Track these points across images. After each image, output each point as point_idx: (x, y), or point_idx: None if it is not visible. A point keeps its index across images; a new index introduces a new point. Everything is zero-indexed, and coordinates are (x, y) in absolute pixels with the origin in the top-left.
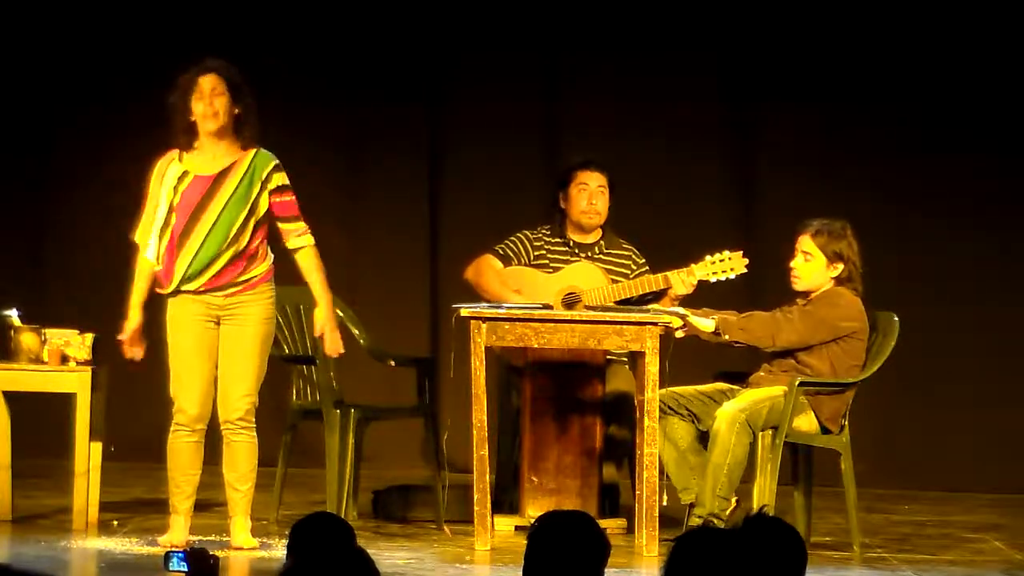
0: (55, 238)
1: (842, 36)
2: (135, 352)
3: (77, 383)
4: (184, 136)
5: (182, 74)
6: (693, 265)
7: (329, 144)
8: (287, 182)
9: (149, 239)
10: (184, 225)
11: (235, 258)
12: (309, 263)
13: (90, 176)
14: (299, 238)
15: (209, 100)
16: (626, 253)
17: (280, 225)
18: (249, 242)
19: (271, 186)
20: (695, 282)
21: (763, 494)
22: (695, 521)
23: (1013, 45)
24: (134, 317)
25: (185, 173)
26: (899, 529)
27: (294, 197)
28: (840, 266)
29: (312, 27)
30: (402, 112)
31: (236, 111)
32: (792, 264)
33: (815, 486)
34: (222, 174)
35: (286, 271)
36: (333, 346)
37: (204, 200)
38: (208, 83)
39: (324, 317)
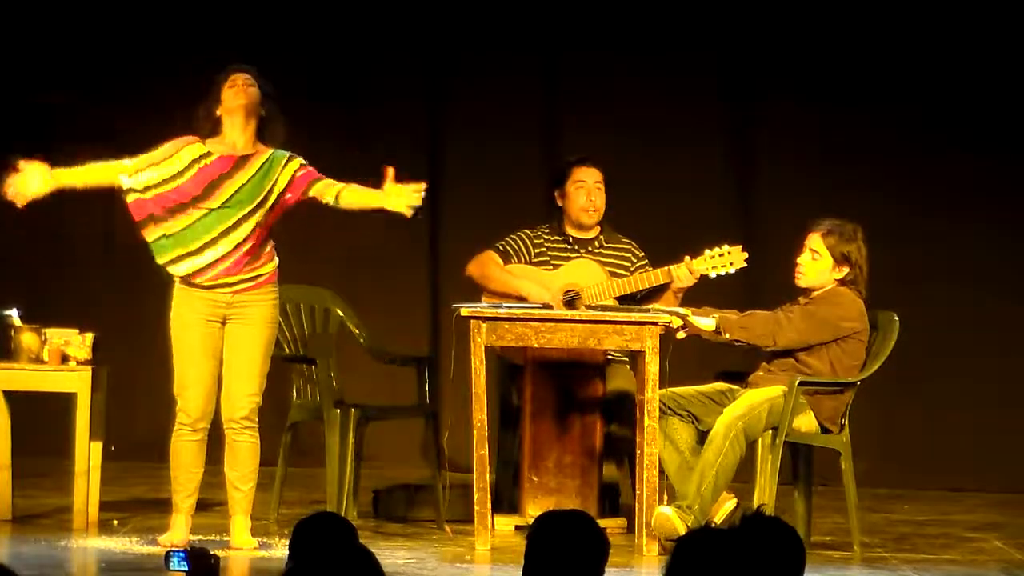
0: (56, 237)
1: (842, 36)
2: (18, 185)
3: (77, 383)
4: (207, 124)
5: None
6: (693, 260)
7: (329, 143)
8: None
9: (134, 171)
10: (193, 196)
11: (229, 247)
12: (356, 187)
13: None
14: (336, 183)
15: (242, 87)
16: (625, 247)
17: (314, 187)
18: (246, 238)
19: (294, 165)
20: (696, 275)
21: (763, 494)
22: (674, 511)
23: (1013, 45)
24: (56, 174)
25: (208, 153)
26: (899, 528)
27: None
28: (846, 269)
29: (312, 26)
30: (402, 111)
31: (262, 112)
32: (799, 260)
33: (815, 486)
34: (243, 159)
35: (287, 271)
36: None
37: (222, 178)
38: (242, 77)
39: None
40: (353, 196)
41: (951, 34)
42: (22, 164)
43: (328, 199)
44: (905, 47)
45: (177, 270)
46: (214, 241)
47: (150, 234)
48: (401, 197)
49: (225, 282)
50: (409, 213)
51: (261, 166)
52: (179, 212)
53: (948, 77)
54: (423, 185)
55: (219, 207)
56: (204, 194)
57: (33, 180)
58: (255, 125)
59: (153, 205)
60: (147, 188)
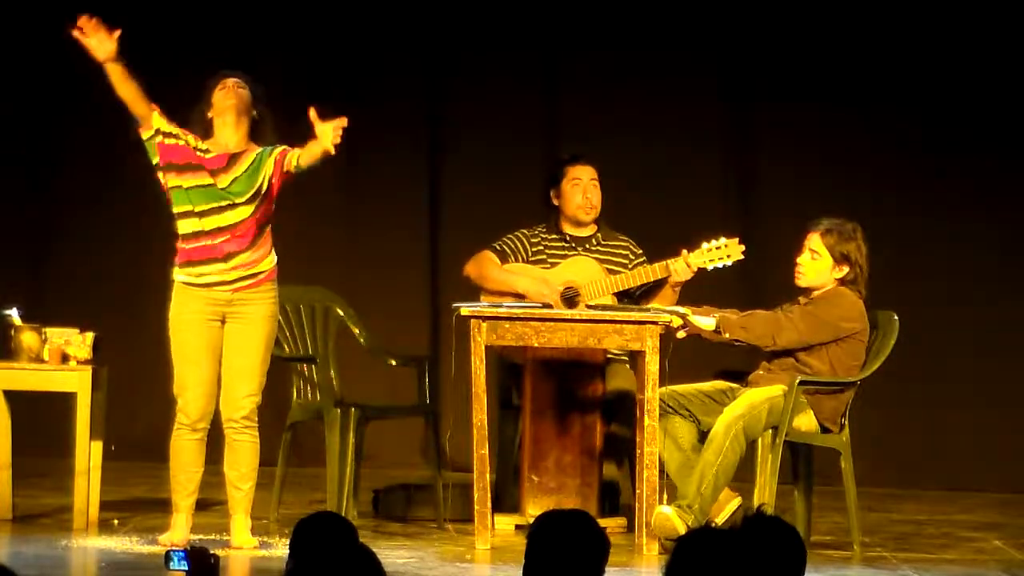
0: (56, 237)
1: (842, 36)
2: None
3: (77, 382)
4: (200, 129)
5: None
6: (690, 254)
7: None
8: None
9: (163, 117)
10: (206, 166)
11: (222, 224)
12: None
13: (93, 176)
14: (296, 150)
15: (231, 88)
16: (623, 244)
17: (284, 161)
18: (236, 224)
19: (276, 151)
20: (694, 268)
21: (763, 493)
22: (675, 511)
23: (1013, 45)
24: (117, 60)
25: (208, 149)
26: (899, 528)
27: None
28: (846, 268)
29: (312, 26)
30: (402, 111)
31: (254, 114)
32: (798, 260)
33: (815, 485)
34: (235, 156)
35: (287, 271)
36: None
37: (219, 170)
38: (232, 80)
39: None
40: (306, 154)
41: (951, 34)
42: (113, 36)
43: (292, 166)
44: (905, 47)
45: (183, 226)
46: (212, 212)
47: (169, 180)
48: (326, 135)
49: (223, 280)
50: (333, 150)
51: (252, 161)
52: (195, 171)
53: (948, 77)
54: (343, 120)
55: (218, 188)
56: (211, 173)
57: (100, 43)
58: (247, 126)
59: (174, 153)
60: (169, 135)
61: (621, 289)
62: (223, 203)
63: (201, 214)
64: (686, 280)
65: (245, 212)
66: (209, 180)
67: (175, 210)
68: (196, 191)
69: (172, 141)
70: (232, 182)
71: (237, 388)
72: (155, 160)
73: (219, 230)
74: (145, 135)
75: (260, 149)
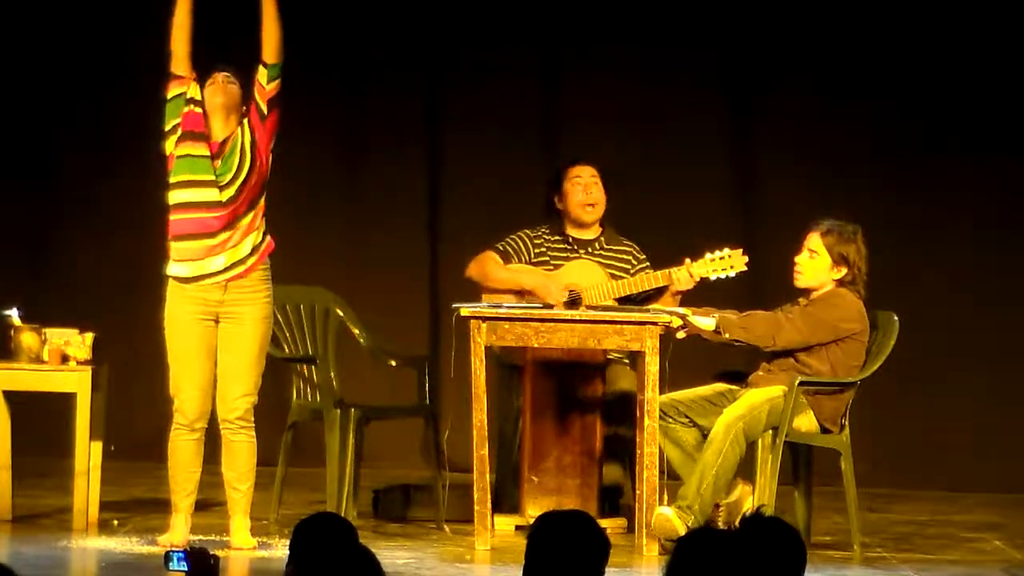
0: (56, 238)
1: (842, 35)
2: None
3: (77, 383)
4: None
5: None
6: (693, 263)
7: (328, 143)
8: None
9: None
10: (210, 145)
11: (215, 198)
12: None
13: (92, 176)
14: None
15: (221, 84)
16: (626, 249)
17: (256, 91)
18: (228, 201)
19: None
20: (696, 278)
21: (763, 494)
22: (674, 512)
23: (1014, 45)
24: None
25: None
26: (899, 529)
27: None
28: (844, 269)
29: (310, 25)
30: (402, 111)
31: (244, 109)
32: (797, 259)
33: (815, 486)
34: (226, 139)
35: (287, 272)
36: None
37: (215, 156)
38: (222, 75)
39: None
40: (267, 34)
41: (952, 33)
42: None
43: (264, 79)
44: (906, 46)
45: (176, 196)
46: (208, 184)
47: (181, 148)
48: None
49: (212, 271)
50: None
51: (234, 140)
52: (202, 141)
53: (949, 77)
54: None
55: (216, 171)
56: (210, 157)
57: None
58: (236, 122)
59: (196, 123)
60: (198, 104)
61: (623, 295)
62: (216, 181)
63: (199, 184)
64: (688, 289)
65: (229, 192)
66: (208, 154)
67: (174, 179)
68: (201, 162)
69: (198, 111)
70: (221, 165)
71: (231, 389)
72: (172, 123)
73: (208, 205)
74: (175, 91)
75: (243, 125)
